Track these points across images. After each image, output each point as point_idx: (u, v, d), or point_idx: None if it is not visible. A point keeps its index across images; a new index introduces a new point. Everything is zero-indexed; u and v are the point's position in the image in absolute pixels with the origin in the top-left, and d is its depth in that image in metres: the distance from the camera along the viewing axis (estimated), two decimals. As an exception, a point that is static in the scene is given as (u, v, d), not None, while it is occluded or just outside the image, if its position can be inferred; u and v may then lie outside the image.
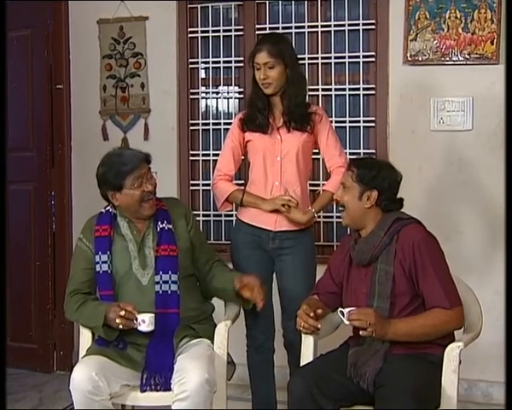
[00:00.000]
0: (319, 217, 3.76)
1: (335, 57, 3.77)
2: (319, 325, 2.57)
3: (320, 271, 2.90)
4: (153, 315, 2.61)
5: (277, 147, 2.95)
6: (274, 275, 3.09)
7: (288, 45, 3.02)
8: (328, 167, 3.04)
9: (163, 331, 2.66)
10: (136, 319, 2.59)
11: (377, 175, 2.58)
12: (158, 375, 2.59)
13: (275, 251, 3.00)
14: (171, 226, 2.79)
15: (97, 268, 2.74)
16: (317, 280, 2.94)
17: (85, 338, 2.78)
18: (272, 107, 2.99)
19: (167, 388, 2.57)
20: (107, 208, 2.83)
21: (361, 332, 2.44)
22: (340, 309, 2.53)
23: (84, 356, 2.67)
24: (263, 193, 2.99)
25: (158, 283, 2.71)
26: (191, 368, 2.52)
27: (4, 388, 2.89)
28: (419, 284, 2.51)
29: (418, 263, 2.51)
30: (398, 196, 2.65)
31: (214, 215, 3.99)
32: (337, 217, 3.77)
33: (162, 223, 2.77)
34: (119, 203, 2.75)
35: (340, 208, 2.66)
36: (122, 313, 2.57)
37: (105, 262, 2.72)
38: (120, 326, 2.58)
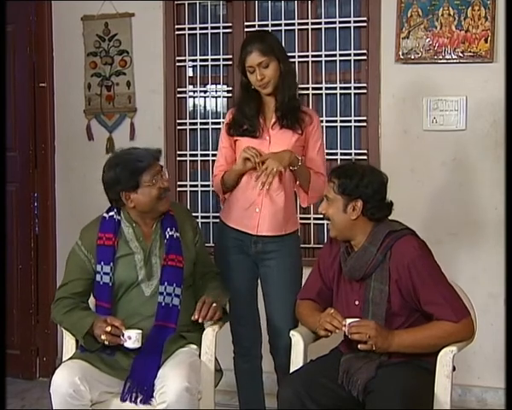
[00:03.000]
0: (309, 219, 3.72)
1: (326, 55, 3.71)
2: (344, 328, 2.44)
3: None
4: (140, 332, 2.55)
5: (264, 148, 2.86)
6: (258, 280, 3.01)
7: (276, 39, 2.94)
8: None
9: (155, 343, 2.59)
10: (123, 335, 2.53)
11: (360, 183, 2.49)
12: (140, 386, 2.52)
13: (258, 256, 2.93)
14: (178, 235, 2.71)
15: (97, 278, 2.65)
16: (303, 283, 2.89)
17: (69, 344, 2.73)
18: (264, 107, 2.90)
19: (147, 401, 2.50)
20: (111, 214, 2.71)
21: (360, 346, 2.38)
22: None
23: (67, 360, 2.61)
24: (249, 195, 2.90)
25: (162, 293, 2.64)
26: (171, 376, 2.47)
27: (4, 390, 2.86)
28: (421, 304, 2.44)
29: (417, 284, 2.43)
30: (389, 198, 2.57)
31: (202, 217, 3.93)
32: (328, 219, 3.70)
33: (171, 230, 2.69)
34: (134, 204, 2.65)
35: (327, 222, 2.57)
36: (108, 328, 2.51)
37: (107, 274, 2.64)
38: (106, 342, 2.53)
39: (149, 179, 2.62)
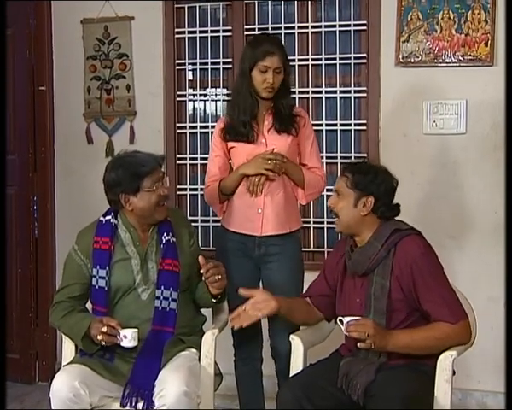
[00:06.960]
0: (309, 222, 3.71)
1: (326, 59, 3.71)
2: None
3: (311, 277, 2.82)
4: (135, 330, 2.54)
5: (261, 151, 2.87)
6: (260, 283, 3.00)
7: None
8: None
9: (154, 348, 2.59)
10: (119, 334, 2.52)
11: (374, 180, 2.50)
12: (141, 391, 2.50)
13: (261, 258, 2.93)
14: (175, 239, 2.70)
15: (93, 282, 2.64)
16: (304, 286, 2.89)
17: (68, 348, 2.72)
18: (256, 112, 2.91)
19: (149, 406, 2.48)
20: (108, 218, 2.70)
21: (359, 344, 2.37)
22: (339, 318, 2.47)
23: (67, 364, 2.60)
24: (247, 200, 2.89)
25: (158, 298, 2.63)
26: (170, 380, 2.46)
27: (4, 393, 2.85)
28: (420, 302, 2.44)
29: (418, 281, 2.43)
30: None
31: (202, 221, 3.93)
32: (328, 222, 3.71)
33: (168, 235, 2.68)
34: (132, 207, 2.64)
35: (334, 216, 2.57)
36: (104, 329, 2.51)
37: (102, 278, 2.63)
38: (103, 343, 2.52)
39: (150, 185, 2.61)
